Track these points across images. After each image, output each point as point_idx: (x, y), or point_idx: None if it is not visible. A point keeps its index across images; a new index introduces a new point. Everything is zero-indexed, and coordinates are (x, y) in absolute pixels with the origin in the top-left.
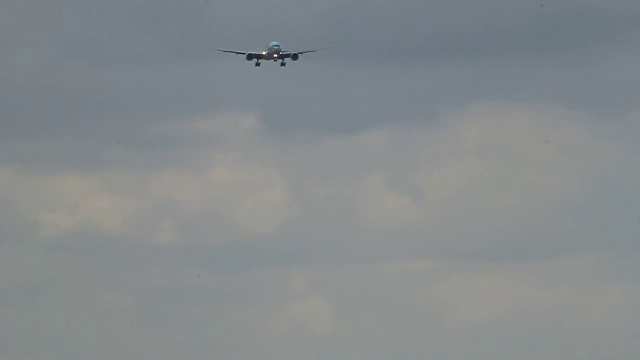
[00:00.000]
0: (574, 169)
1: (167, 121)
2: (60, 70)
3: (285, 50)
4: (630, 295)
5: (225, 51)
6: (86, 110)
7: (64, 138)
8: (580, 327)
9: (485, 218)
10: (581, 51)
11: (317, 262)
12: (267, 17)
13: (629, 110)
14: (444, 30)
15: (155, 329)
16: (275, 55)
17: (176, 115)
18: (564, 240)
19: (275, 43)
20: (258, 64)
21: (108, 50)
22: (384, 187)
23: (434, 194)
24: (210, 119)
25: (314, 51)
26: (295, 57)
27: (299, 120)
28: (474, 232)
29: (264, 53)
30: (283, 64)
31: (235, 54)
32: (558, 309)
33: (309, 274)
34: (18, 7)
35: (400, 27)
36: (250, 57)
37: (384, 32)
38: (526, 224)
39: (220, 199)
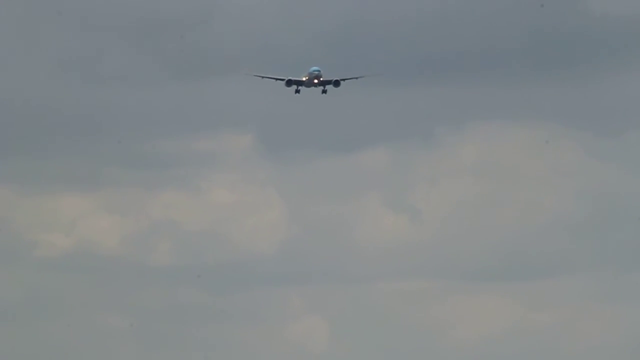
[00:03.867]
0: (570, 189)
1: (164, 141)
2: (57, 89)
3: (326, 76)
4: (627, 315)
5: (263, 77)
6: (84, 129)
7: (62, 157)
8: (576, 347)
9: (482, 238)
10: (577, 70)
11: (314, 282)
12: (264, 37)
13: (625, 130)
14: (440, 51)
15: (153, 348)
16: (316, 81)
17: (174, 135)
18: (560, 260)
19: (315, 68)
20: (297, 91)
21: (106, 70)
22: (381, 207)
23: (430, 213)
24: (207, 138)
25: (357, 77)
26: (336, 83)
27: (296, 140)
28: (470, 252)
29: (304, 79)
30: (324, 91)
31: (274, 80)
32: (554, 328)
33: (307, 293)
34: (16, 27)
35: (397, 48)
36: (289, 82)
37: (380, 52)
38: (523, 243)
39: (218, 218)
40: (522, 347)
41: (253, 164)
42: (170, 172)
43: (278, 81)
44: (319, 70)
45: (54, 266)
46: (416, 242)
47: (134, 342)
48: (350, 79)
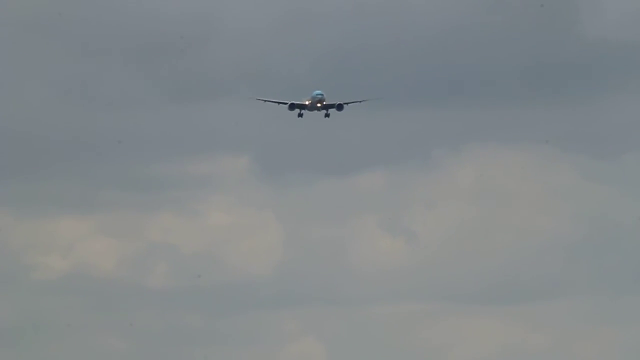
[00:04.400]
0: (567, 211)
1: (161, 164)
2: (54, 113)
3: (329, 99)
4: (622, 337)
5: (265, 100)
6: (81, 153)
7: (59, 180)
8: None
9: (479, 260)
10: (573, 93)
11: (311, 304)
12: (263, 61)
13: (621, 153)
14: (437, 75)
15: None
16: (319, 105)
17: (170, 158)
18: (556, 282)
19: (318, 92)
20: (300, 115)
21: (104, 94)
22: (377, 229)
23: (427, 236)
24: (204, 161)
25: (360, 101)
26: (340, 107)
27: (293, 162)
28: (467, 274)
29: (307, 102)
30: (327, 115)
31: (277, 104)
32: (551, 350)
33: (303, 315)
34: (12, 52)
35: (395, 72)
36: (292, 106)
37: (378, 76)
38: (519, 266)
39: (214, 241)
40: None
41: (250, 186)
42: (167, 195)
43: (281, 105)
44: (322, 94)
45: (51, 288)
46: (413, 264)
47: None
48: (353, 102)
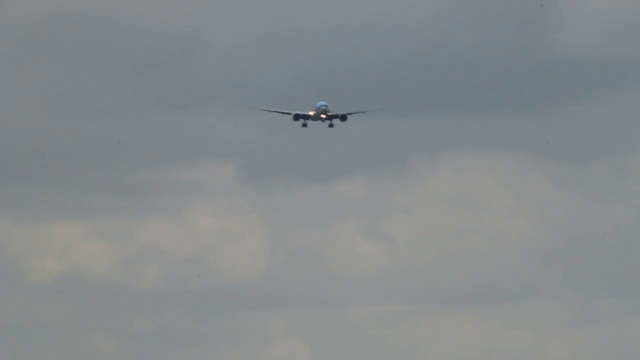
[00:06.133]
0: (539, 216)
1: (151, 171)
2: (48, 123)
3: (333, 110)
4: (594, 337)
5: (270, 110)
6: (73, 160)
7: (53, 187)
8: None
9: (455, 264)
10: (547, 103)
11: (295, 306)
12: (249, 71)
13: (592, 160)
14: (413, 86)
15: None
16: (323, 116)
17: (160, 165)
18: (529, 284)
19: (322, 103)
20: (305, 125)
21: (96, 103)
22: (359, 234)
23: (405, 240)
24: (192, 168)
25: (363, 112)
26: (343, 117)
27: (278, 170)
28: (445, 277)
29: (311, 113)
30: (331, 125)
31: (281, 114)
32: (524, 350)
33: (288, 317)
34: (6, 62)
35: (373, 84)
36: (296, 117)
37: (356, 87)
38: (494, 269)
39: (202, 245)
40: None
41: (236, 193)
42: (157, 201)
43: (285, 115)
44: (326, 105)
45: (45, 291)
46: (393, 267)
47: None
48: (356, 113)
